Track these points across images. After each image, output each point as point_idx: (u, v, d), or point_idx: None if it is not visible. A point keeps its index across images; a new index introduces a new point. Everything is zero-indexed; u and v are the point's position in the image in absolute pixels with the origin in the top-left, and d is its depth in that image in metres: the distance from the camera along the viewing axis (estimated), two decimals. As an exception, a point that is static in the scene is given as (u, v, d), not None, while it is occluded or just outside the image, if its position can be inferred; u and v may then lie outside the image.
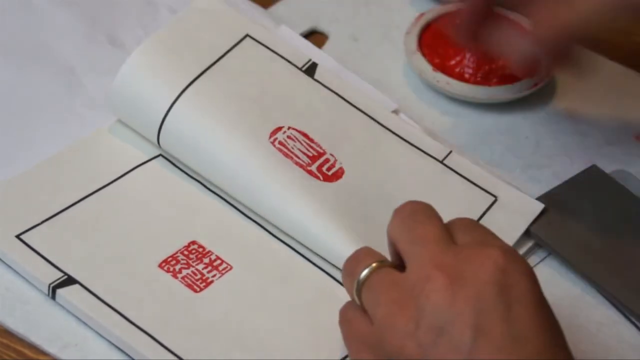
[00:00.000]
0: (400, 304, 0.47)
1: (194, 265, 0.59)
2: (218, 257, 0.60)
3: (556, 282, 0.61)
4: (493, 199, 0.63)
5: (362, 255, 0.52)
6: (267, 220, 0.62)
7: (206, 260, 0.59)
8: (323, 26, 0.75)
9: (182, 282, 0.58)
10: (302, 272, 0.60)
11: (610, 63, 0.73)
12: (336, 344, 0.55)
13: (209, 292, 0.58)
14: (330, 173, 0.62)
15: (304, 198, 0.60)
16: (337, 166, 0.62)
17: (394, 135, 0.65)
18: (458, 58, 0.70)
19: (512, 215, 0.62)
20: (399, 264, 0.50)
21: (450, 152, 0.65)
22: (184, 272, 0.59)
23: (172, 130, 0.62)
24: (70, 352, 0.56)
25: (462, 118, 0.69)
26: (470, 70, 0.70)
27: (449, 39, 0.71)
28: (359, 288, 0.50)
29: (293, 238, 0.61)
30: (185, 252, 0.60)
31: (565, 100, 0.71)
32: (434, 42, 0.71)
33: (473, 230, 0.50)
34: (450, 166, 0.64)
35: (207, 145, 0.61)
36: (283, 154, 0.61)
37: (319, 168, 0.62)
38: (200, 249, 0.60)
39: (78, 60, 0.69)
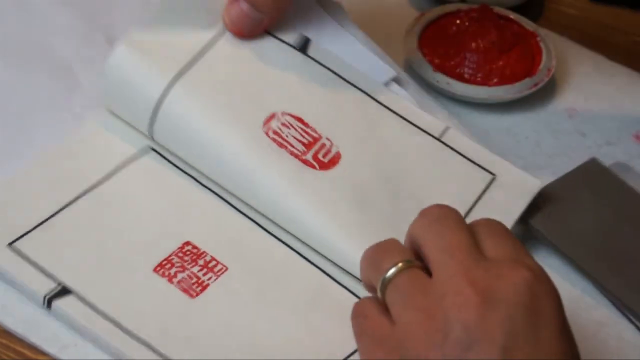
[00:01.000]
0: (429, 312, 0.47)
1: (189, 267, 0.58)
2: (213, 258, 0.59)
3: (556, 282, 0.60)
4: (492, 177, 0.63)
5: (389, 248, 0.51)
6: (262, 216, 0.61)
7: (201, 262, 0.59)
8: (323, 26, 0.74)
9: (178, 287, 0.58)
10: (299, 271, 0.59)
11: (610, 63, 0.73)
12: (336, 343, 0.55)
13: (205, 297, 0.57)
14: (326, 160, 0.61)
15: (300, 190, 0.59)
16: (333, 151, 0.61)
17: (390, 112, 0.64)
18: (458, 58, 0.70)
19: (511, 194, 0.62)
20: (424, 266, 0.50)
21: (447, 127, 0.64)
22: (180, 275, 0.58)
23: (165, 119, 0.61)
24: (69, 352, 0.56)
25: (462, 118, 0.69)
26: (470, 70, 0.70)
27: (449, 39, 0.71)
28: (384, 285, 0.49)
29: (289, 233, 0.60)
30: (180, 254, 0.59)
31: (565, 100, 0.71)
32: (434, 42, 0.71)
33: (502, 241, 0.50)
34: (448, 143, 0.64)
35: (200, 136, 0.61)
36: (277, 144, 0.61)
37: (315, 156, 0.61)
38: (195, 250, 0.59)
39: (76, 59, 0.69)
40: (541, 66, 0.70)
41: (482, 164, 0.63)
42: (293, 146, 0.61)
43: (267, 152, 0.60)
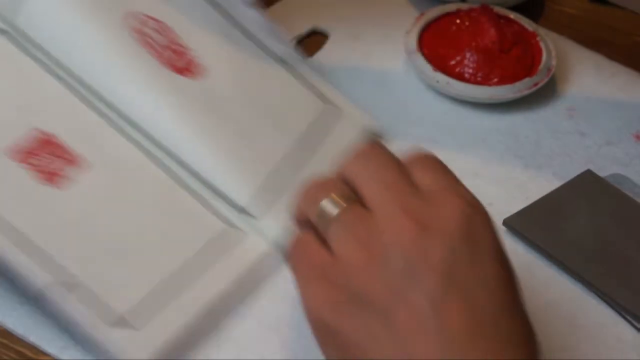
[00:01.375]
0: (370, 245, 0.48)
1: (47, 158, 0.58)
2: (71, 152, 0.58)
3: (556, 282, 0.61)
4: (339, 112, 0.65)
5: (328, 185, 0.51)
6: (123, 117, 0.61)
7: (63, 156, 0.58)
8: (323, 26, 0.75)
9: (39, 178, 0.57)
10: (151, 173, 0.59)
11: (610, 63, 0.73)
12: (190, 239, 0.57)
13: (68, 190, 0.57)
14: (190, 68, 0.62)
15: (160, 91, 0.60)
16: (197, 62, 0.62)
17: (243, 36, 0.66)
18: (458, 58, 0.70)
19: (354, 129, 0.65)
20: (361, 202, 0.50)
21: (300, 57, 0.66)
22: (39, 164, 0.58)
23: (31, 5, 0.61)
24: (69, 352, 0.56)
25: (462, 118, 0.69)
26: (470, 70, 0.70)
27: (449, 39, 0.71)
28: (327, 220, 0.50)
29: (149, 136, 0.60)
30: (33, 142, 0.58)
31: (565, 100, 0.71)
32: (434, 42, 0.71)
33: (436, 173, 0.50)
34: (299, 70, 0.66)
35: (62, 27, 0.60)
36: (143, 44, 0.61)
37: (179, 62, 0.62)
38: (56, 143, 0.58)
39: None
40: (541, 66, 0.70)
41: (332, 100, 0.66)
42: (158, 50, 0.61)
43: (129, 49, 0.60)
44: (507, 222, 0.63)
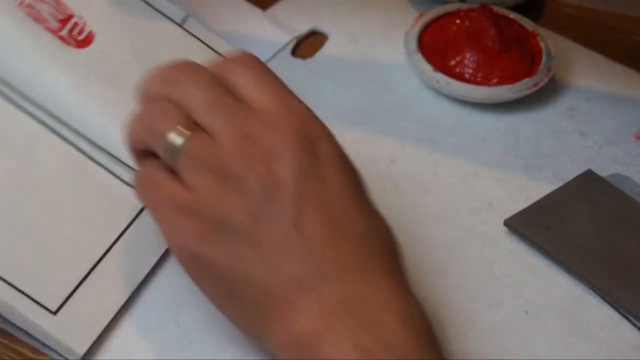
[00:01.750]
0: (223, 174, 0.49)
1: None
2: None
3: (557, 282, 0.61)
4: None
5: (167, 113, 0.51)
6: (17, 92, 0.60)
7: None
8: (323, 26, 0.74)
9: None
10: (54, 149, 0.59)
11: (610, 63, 0.73)
12: (103, 222, 0.57)
13: None
14: (81, 37, 0.62)
15: (55, 66, 0.60)
16: (86, 30, 0.62)
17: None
18: (458, 58, 0.70)
19: None
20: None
21: (187, 16, 0.67)
22: None
23: None
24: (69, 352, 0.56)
25: (462, 118, 0.69)
26: (470, 70, 0.70)
27: (449, 39, 0.71)
28: (175, 151, 0.50)
29: (44, 110, 0.60)
30: None
31: (565, 100, 0.71)
32: (434, 42, 0.71)
33: (258, 80, 0.51)
34: (190, 30, 0.66)
35: None
36: (32, 17, 0.61)
37: (70, 33, 0.62)
38: None
39: None
40: (541, 66, 0.70)
41: (221, 52, 0.67)
42: (48, 21, 0.61)
43: (21, 25, 0.60)
44: (507, 223, 0.63)
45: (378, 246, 0.49)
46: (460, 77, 0.70)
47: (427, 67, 0.70)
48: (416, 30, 0.72)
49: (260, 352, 0.55)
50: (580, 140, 0.69)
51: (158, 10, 0.66)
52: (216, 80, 0.51)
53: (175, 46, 0.65)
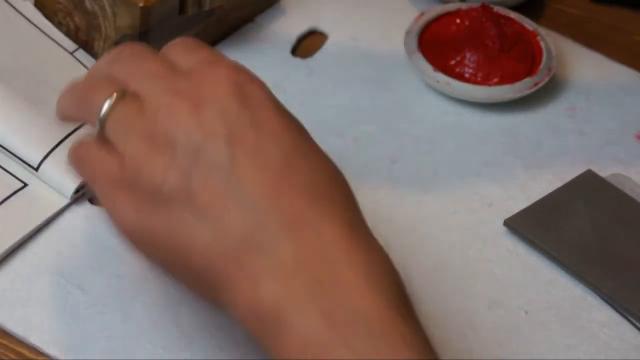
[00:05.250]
0: (151, 136, 0.47)
1: None
2: None
3: (557, 282, 0.61)
4: None
5: (97, 84, 0.51)
6: None
7: None
8: (323, 26, 0.74)
9: None
10: None
11: (610, 63, 0.73)
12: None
13: None
14: None
15: None
16: None
17: (28, 22, 0.69)
18: (458, 58, 0.70)
19: None
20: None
21: (78, 48, 0.68)
22: None
23: None
24: (70, 354, 0.56)
25: (462, 118, 0.69)
26: (470, 70, 0.70)
27: (449, 38, 0.71)
28: (103, 120, 0.49)
29: None
30: None
31: (565, 100, 0.71)
32: (434, 42, 0.71)
33: (195, 51, 0.50)
34: (80, 60, 0.68)
35: None
36: None
37: None
38: None
39: None
40: (541, 66, 0.70)
41: None
42: None
43: None
44: (508, 223, 0.63)
45: (328, 191, 0.46)
46: (460, 77, 0.70)
47: (427, 67, 0.70)
48: (416, 30, 0.72)
49: (260, 352, 0.55)
50: (580, 140, 0.69)
51: (52, 39, 0.68)
52: (157, 56, 0.50)
53: (66, 72, 0.66)
